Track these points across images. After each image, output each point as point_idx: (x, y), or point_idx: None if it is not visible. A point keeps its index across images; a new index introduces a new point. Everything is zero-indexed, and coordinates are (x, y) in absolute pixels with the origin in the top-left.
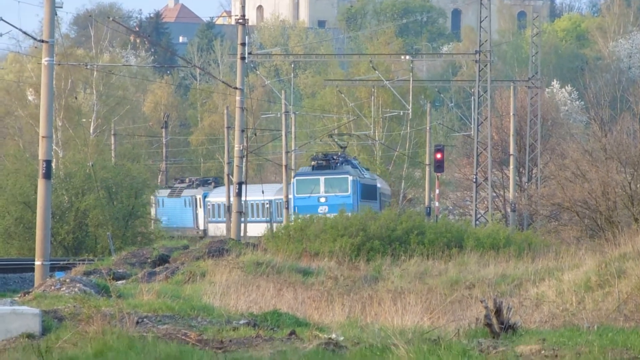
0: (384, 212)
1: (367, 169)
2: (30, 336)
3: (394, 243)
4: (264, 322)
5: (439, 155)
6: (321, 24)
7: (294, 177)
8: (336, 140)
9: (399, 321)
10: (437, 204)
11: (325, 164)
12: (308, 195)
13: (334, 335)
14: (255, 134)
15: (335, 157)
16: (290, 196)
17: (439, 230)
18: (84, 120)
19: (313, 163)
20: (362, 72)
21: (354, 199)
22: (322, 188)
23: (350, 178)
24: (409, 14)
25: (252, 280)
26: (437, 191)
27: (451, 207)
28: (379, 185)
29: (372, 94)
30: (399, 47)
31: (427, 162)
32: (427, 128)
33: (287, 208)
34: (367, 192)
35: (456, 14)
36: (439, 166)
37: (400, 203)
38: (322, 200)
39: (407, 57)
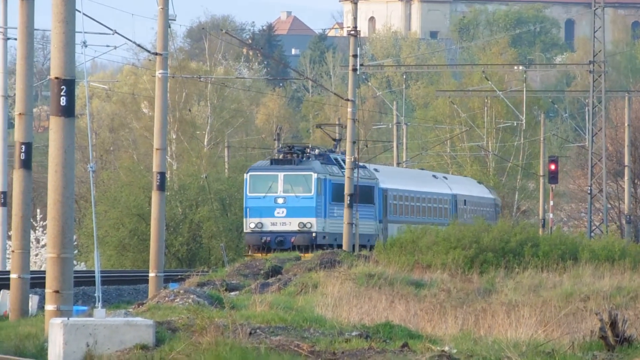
0: (497, 224)
1: (364, 166)
2: (144, 347)
3: (508, 255)
4: (376, 334)
5: (553, 167)
6: (433, 34)
7: (247, 172)
8: (327, 131)
9: (513, 334)
10: (551, 215)
11: (289, 157)
12: (263, 194)
13: (447, 348)
14: (367, 146)
15: (303, 150)
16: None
17: (554, 242)
18: (197, 132)
19: (277, 156)
20: (474, 83)
21: (320, 201)
22: (280, 186)
23: (314, 176)
24: (522, 24)
25: (364, 292)
26: (551, 203)
27: (565, 219)
28: (383, 186)
29: (485, 104)
30: (512, 58)
31: (541, 173)
32: (541, 139)
33: None
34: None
35: (569, 24)
36: (553, 177)
37: (514, 215)
38: (280, 201)
39: (521, 67)
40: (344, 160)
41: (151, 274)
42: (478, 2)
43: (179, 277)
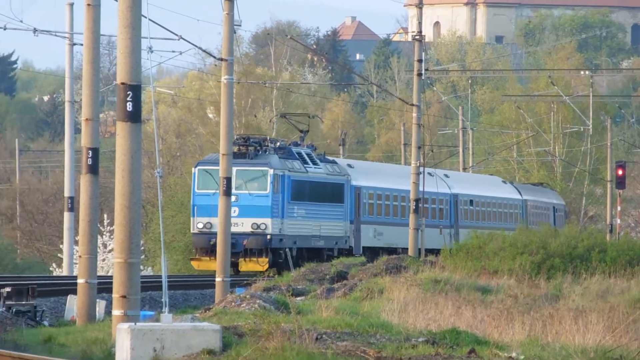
0: (564, 229)
1: (334, 161)
2: (210, 352)
3: (575, 261)
4: (443, 340)
5: (620, 172)
6: (499, 39)
7: (195, 167)
8: (292, 121)
9: (581, 340)
10: (619, 221)
11: (244, 150)
12: (213, 192)
13: (514, 354)
14: (432, 151)
15: (260, 143)
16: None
17: (621, 248)
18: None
19: (236, 148)
20: (541, 88)
21: (276, 200)
22: (232, 183)
23: (270, 172)
24: (588, 29)
25: (430, 298)
26: (618, 208)
27: (633, 224)
28: (356, 183)
29: (552, 109)
30: (578, 63)
31: (608, 178)
32: (608, 144)
33: None
34: (314, 193)
35: (636, 29)
36: (620, 183)
37: (581, 220)
38: (232, 199)
39: (587, 72)
40: (308, 155)
41: (218, 279)
42: (544, 7)
43: (245, 282)
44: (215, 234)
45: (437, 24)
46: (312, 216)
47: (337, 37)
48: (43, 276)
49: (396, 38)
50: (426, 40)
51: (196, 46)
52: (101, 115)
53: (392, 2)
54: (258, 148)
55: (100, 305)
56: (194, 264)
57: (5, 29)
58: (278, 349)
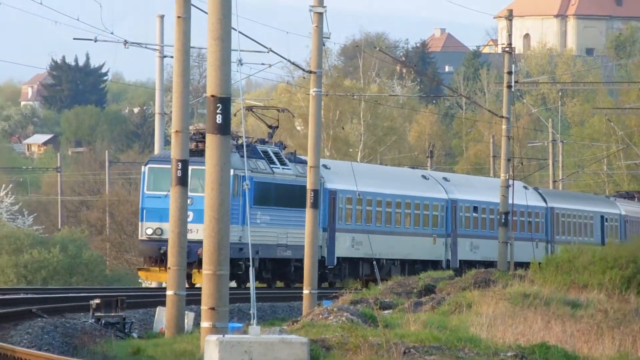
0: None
1: (305, 162)
2: None
3: None
4: (532, 354)
5: None
6: (589, 51)
7: (145, 164)
8: (258, 114)
9: None
10: None
11: (200, 147)
12: (165, 193)
13: None
14: (522, 163)
15: None
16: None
17: None
18: (351, 150)
19: (192, 145)
20: (631, 101)
21: (237, 204)
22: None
23: (231, 172)
24: None
25: (519, 312)
26: None
27: None
28: (331, 186)
29: None
30: None
31: None
32: None
33: None
34: (281, 196)
35: None
36: None
37: None
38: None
39: None
40: (275, 154)
41: (305, 292)
42: (635, 19)
43: (333, 294)
44: (166, 241)
45: (527, 35)
46: (278, 223)
47: (426, 49)
48: (132, 288)
49: (485, 50)
50: (516, 52)
51: (285, 59)
52: (190, 127)
53: (482, 14)
54: None
55: (189, 317)
56: (141, 274)
57: (96, 41)
58: None
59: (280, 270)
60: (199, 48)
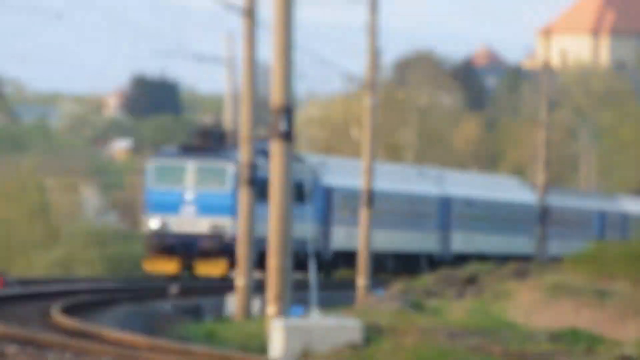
0: None
1: (298, 157)
2: (353, 346)
3: None
4: (563, 338)
5: None
6: (622, 65)
7: (148, 161)
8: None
9: None
10: None
11: (203, 144)
12: (169, 187)
13: (627, 352)
14: (558, 166)
15: (222, 136)
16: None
17: None
18: (402, 154)
19: (194, 141)
20: None
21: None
22: (189, 179)
23: (231, 168)
24: None
25: (552, 301)
26: None
27: None
28: (327, 182)
29: None
30: None
31: None
32: None
33: None
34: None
35: None
36: None
37: None
38: (189, 197)
39: None
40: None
41: (359, 282)
42: None
43: (384, 284)
44: (171, 234)
45: (563, 52)
46: None
47: (470, 63)
48: (205, 278)
49: (526, 64)
50: (553, 66)
51: (343, 72)
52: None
53: (522, 31)
54: (219, 141)
55: (256, 303)
56: (147, 266)
57: (171, 57)
58: (414, 344)
59: None
60: (265, 63)
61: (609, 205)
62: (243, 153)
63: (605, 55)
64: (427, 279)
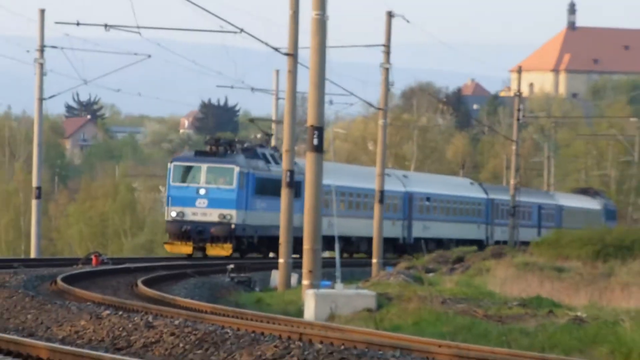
0: (617, 227)
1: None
2: (369, 310)
3: (624, 249)
4: (530, 304)
5: None
6: (574, 95)
7: (170, 162)
8: (259, 126)
9: (626, 304)
10: None
11: (214, 150)
12: (186, 184)
13: (579, 314)
14: (525, 172)
15: (229, 143)
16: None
17: None
18: (407, 162)
19: (208, 148)
20: (603, 130)
21: (241, 194)
22: (202, 178)
23: (237, 169)
24: (637, 88)
25: (522, 275)
26: None
27: None
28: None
29: (609, 145)
30: (629, 112)
31: None
32: None
33: None
34: (274, 188)
35: None
36: None
37: (628, 222)
38: (202, 192)
39: (634, 119)
40: (272, 155)
41: (374, 260)
42: (606, 73)
43: (393, 262)
44: (187, 221)
45: (531, 84)
46: (273, 209)
47: (460, 93)
48: (256, 257)
49: (502, 94)
50: (523, 95)
51: (362, 99)
52: (296, 148)
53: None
54: (227, 148)
55: (294, 277)
56: (167, 247)
57: (232, 88)
58: (415, 309)
59: (273, 245)
60: (302, 92)
61: (546, 200)
62: (284, 162)
63: (562, 88)
64: (426, 259)
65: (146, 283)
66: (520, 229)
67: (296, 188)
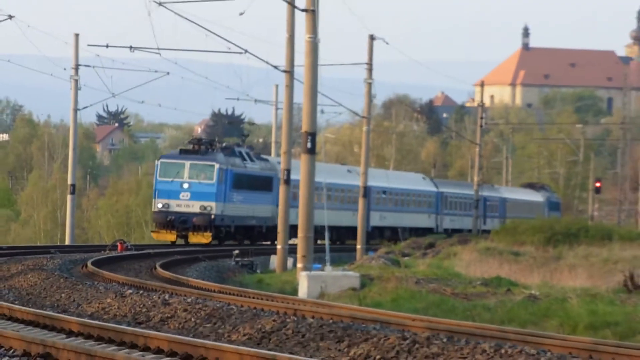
0: (565, 217)
1: (266, 159)
2: (353, 289)
3: (571, 236)
4: (491, 283)
5: (598, 184)
6: (529, 105)
7: (158, 159)
8: (239, 129)
9: (573, 283)
10: (596, 213)
11: (197, 148)
12: (171, 179)
13: (533, 292)
14: (487, 171)
15: (210, 143)
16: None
17: (597, 229)
18: (387, 162)
19: (191, 147)
20: (553, 134)
21: (220, 188)
22: (186, 173)
23: (217, 166)
24: (581, 100)
25: (484, 258)
26: (596, 205)
27: (605, 215)
28: (293, 177)
29: (558, 147)
30: (575, 120)
31: (590, 187)
32: (591, 167)
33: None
34: (250, 183)
35: (609, 100)
36: (597, 190)
37: (574, 212)
38: (185, 186)
39: (580, 125)
40: (247, 154)
41: (358, 246)
42: (556, 86)
43: (374, 248)
44: (172, 212)
45: (492, 96)
46: (248, 201)
47: (432, 104)
48: (257, 244)
49: (468, 104)
50: (485, 106)
51: (348, 109)
52: (292, 150)
53: (466, 84)
54: (208, 147)
55: (290, 261)
56: (154, 235)
57: (238, 100)
58: (393, 287)
59: (248, 234)
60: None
61: (490, 193)
62: (282, 162)
63: (518, 99)
64: (402, 245)
65: (164, 266)
66: (465, 219)
67: (268, 183)
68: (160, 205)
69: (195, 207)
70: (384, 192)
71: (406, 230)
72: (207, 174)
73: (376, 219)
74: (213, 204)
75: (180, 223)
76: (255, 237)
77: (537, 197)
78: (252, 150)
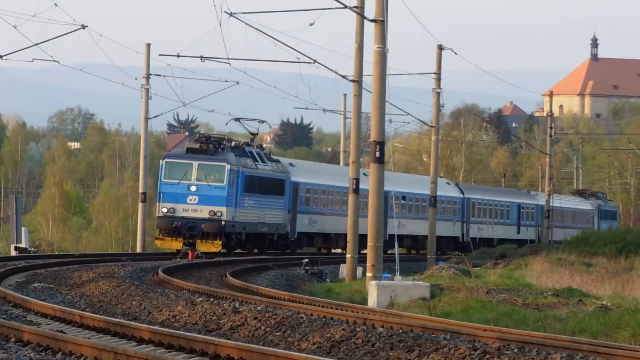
0: (637, 227)
1: (277, 160)
2: (423, 299)
3: None
4: (562, 294)
5: None
6: (598, 115)
7: (162, 159)
8: (245, 125)
9: None
10: None
11: (205, 147)
12: (177, 181)
13: (605, 302)
14: (557, 181)
15: (219, 141)
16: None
17: None
18: (456, 172)
19: (198, 145)
20: (623, 144)
21: (231, 192)
22: (194, 175)
23: (227, 167)
24: None
25: (555, 269)
26: None
27: None
28: (294, 179)
29: (628, 158)
30: None
31: None
32: None
33: None
34: (261, 186)
35: None
36: None
37: None
38: (193, 189)
39: None
40: (258, 154)
41: (429, 256)
42: (624, 97)
43: (444, 257)
44: (178, 218)
45: (561, 106)
46: (259, 206)
47: (501, 113)
48: (325, 253)
49: (537, 114)
50: (554, 115)
51: (417, 119)
52: (361, 159)
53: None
54: (217, 146)
55: (359, 270)
56: (157, 242)
57: (307, 109)
58: (464, 298)
59: (258, 242)
60: (366, 113)
61: (526, 200)
62: (351, 171)
63: (587, 109)
64: (473, 254)
65: (234, 274)
66: (498, 227)
67: (279, 186)
68: (165, 210)
69: (204, 212)
70: (403, 198)
71: (426, 239)
72: (217, 176)
73: (394, 227)
74: (224, 209)
75: (187, 230)
76: (264, 246)
77: (585, 205)
78: (262, 149)
